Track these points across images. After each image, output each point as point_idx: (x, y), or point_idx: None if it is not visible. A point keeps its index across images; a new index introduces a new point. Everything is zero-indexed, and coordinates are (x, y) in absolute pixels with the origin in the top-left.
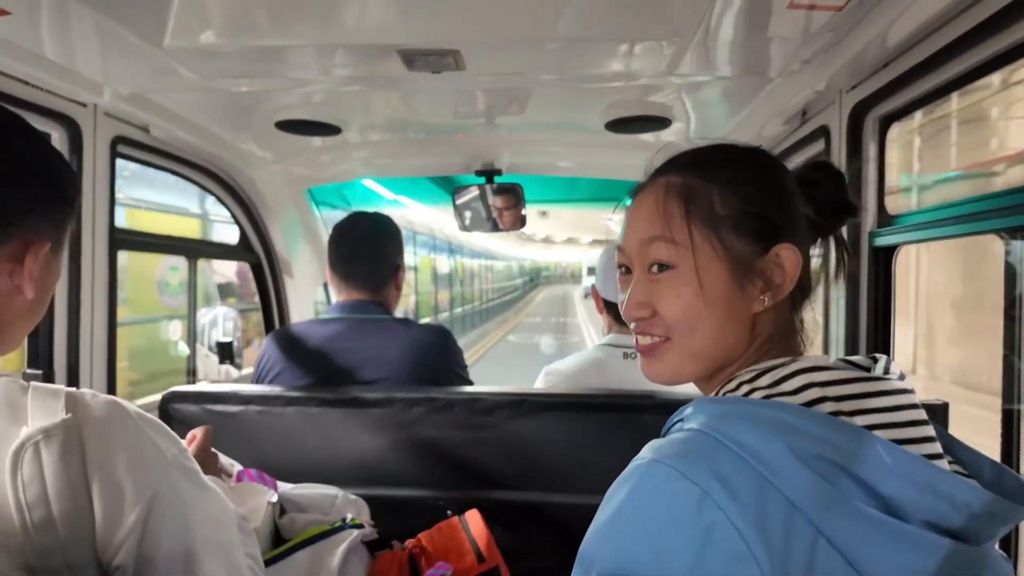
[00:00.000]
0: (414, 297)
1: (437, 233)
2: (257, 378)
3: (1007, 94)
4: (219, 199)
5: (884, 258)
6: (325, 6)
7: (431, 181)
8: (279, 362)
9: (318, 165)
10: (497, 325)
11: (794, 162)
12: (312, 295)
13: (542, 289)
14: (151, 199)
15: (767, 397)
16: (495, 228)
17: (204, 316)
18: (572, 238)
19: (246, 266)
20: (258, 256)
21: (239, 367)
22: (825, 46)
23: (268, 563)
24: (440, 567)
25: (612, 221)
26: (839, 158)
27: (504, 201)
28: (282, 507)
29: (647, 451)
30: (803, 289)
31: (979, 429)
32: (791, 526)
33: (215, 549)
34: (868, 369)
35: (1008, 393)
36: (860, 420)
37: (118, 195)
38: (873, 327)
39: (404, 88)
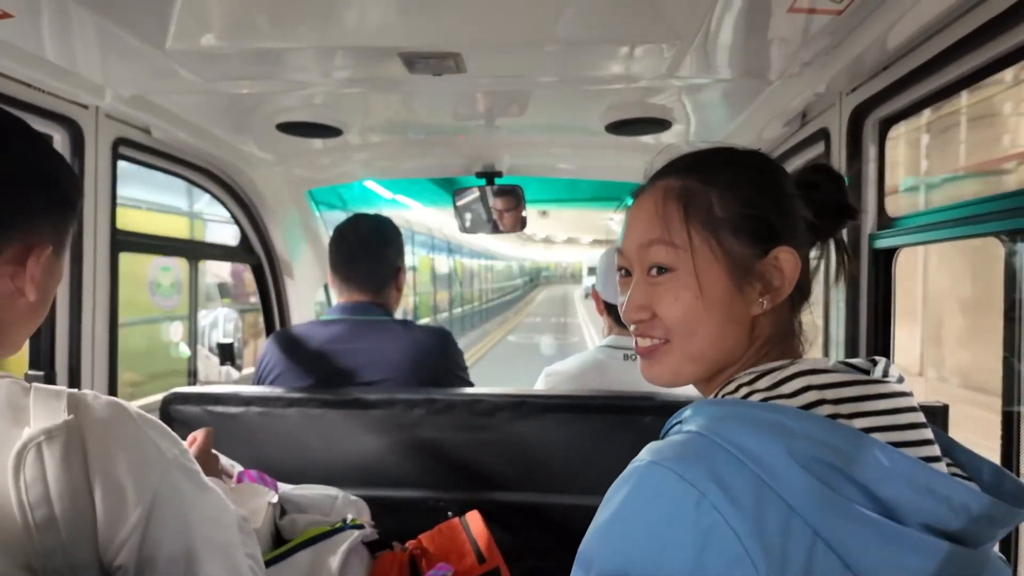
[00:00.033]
0: (413, 297)
1: (436, 233)
2: (258, 379)
3: (1007, 94)
4: (220, 200)
5: (884, 260)
6: (326, 9)
7: (431, 182)
8: (280, 363)
9: (319, 167)
10: (497, 325)
11: (794, 164)
12: (312, 296)
13: (542, 289)
14: (142, 198)
15: (765, 399)
16: (495, 230)
17: (205, 318)
18: (572, 238)
19: (240, 266)
20: (259, 257)
21: (240, 368)
22: (825, 49)
23: (269, 564)
24: (441, 568)
25: (613, 221)
26: (839, 160)
27: (504, 203)
28: (283, 508)
29: (646, 453)
30: (802, 291)
31: (989, 433)
32: (789, 529)
33: (215, 550)
34: (867, 372)
35: (1008, 395)
36: (858, 423)
37: None
38: (873, 329)
39: (405, 90)
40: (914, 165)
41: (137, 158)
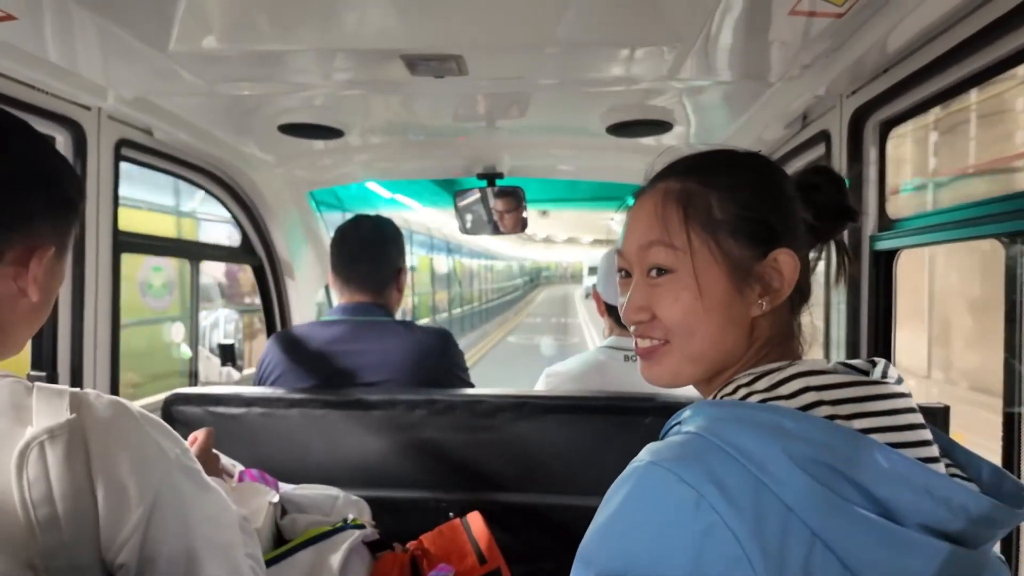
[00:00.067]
0: (411, 298)
1: (435, 233)
2: (259, 380)
3: (1019, 90)
4: (221, 202)
5: (885, 262)
6: (328, 11)
7: (432, 182)
8: (281, 364)
9: (320, 168)
10: (497, 326)
11: (794, 166)
12: (313, 297)
13: (543, 289)
14: (140, 198)
15: (764, 401)
16: (496, 231)
17: (206, 319)
18: (573, 238)
19: (235, 267)
20: (260, 258)
21: (240, 369)
22: (825, 52)
23: (270, 563)
24: (442, 569)
25: (613, 221)
26: (839, 162)
27: (505, 204)
28: (283, 508)
29: (645, 454)
30: (802, 293)
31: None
32: (787, 529)
33: (216, 549)
34: (867, 373)
35: (1009, 396)
36: (857, 424)
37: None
38: (874, 331)
39: (406, 92)
40: (921, 163)
41: (139, 159)
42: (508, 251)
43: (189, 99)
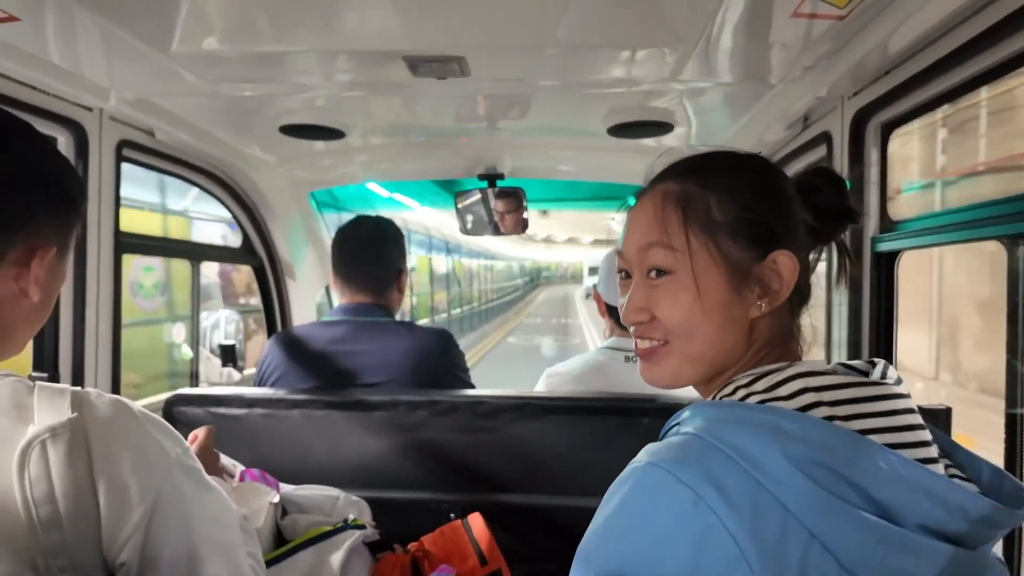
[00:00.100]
0: (410, 298)
1: (434, 232)
2: (259, 380)
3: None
4: (222, 202)
5: (886, 263)
6: (330, 13)
7: (432, 182)
8: (281, 365)
9: (321, 169)
10: (497, 327)
11: (795, 167)
12: (314, 298)
13: (543, 290)
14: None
15: (763, 402)
16: (496, 232)
17: (206, 319)
18: (573, 238)
19: (229, 267)
20: (261, 259)
21: (241, 370)
22: (827, 53)
23: (270, 563)
24: (443, 570)
25: (614, 221)
26: (841, 164)
27: (506, 205)
28: (284, 508)
29: (643, 454)
30: (801, 295)
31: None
32: (785, 530)
33: (217, 549)
34: (866, 374)
35: (1011, 398)
36: (855, 424)
37: None
38: (875, 332)
39: (408, 93)
40: (928, 161)
41: (141, 160)
42: (508, 251)
43: (191, 100)
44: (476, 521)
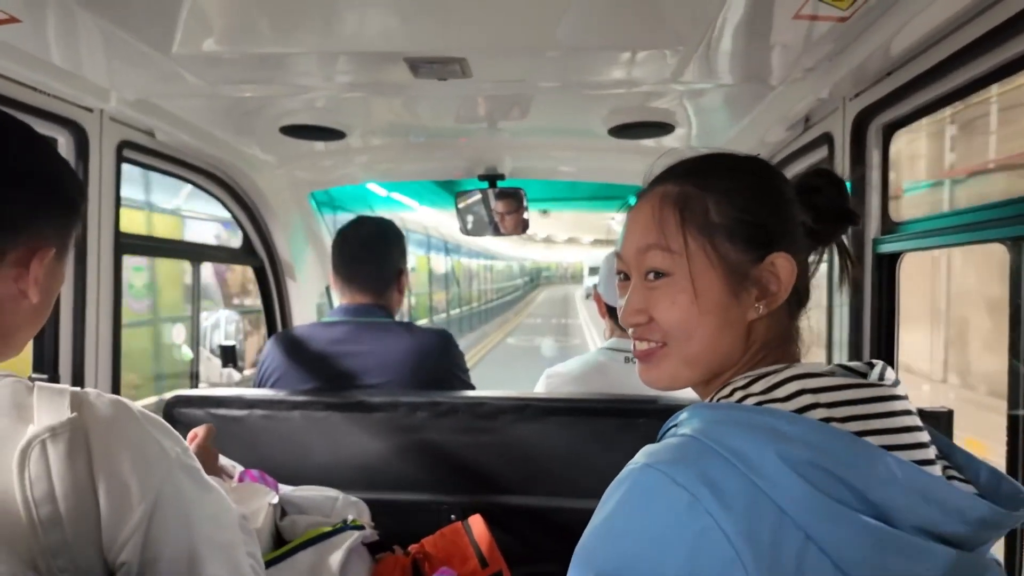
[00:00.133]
0: (408, 299)
1: (432, 232)
2: (259, 381)
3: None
4: (223, 203)
5: (888, 265)
6: (332, 14)
7: (432, 181)
8: (281, 365)
9: (321, 169)
10: (496, 327)
11: (796, 169)
12: (314, 298)
13: (543, 290)
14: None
15: (760, 403)
16: (497, 232)
17: (207, 319)
18: (573, 238)
19: (222, 267)
20: (261, 260)
21: (241, 370)
22: (828, 55)
23: (270, 564)
24: (443, 572)
25: (614, 221)
26: (842, 165)
27: (506, 206)
28: (283, 509)
29: (641, 456)
30: (800, 297)
31: None
32: (780, 532)
33: (217, 548)
34: (865, 375)
35: (1014, 399)
36: (852, 426)
37: None
38: (877, 333)
39: (408, 94)
40: (937, 159)
41: (141, 161)
42: (508, 251)
43: (191, 101)
44: (477, 523)
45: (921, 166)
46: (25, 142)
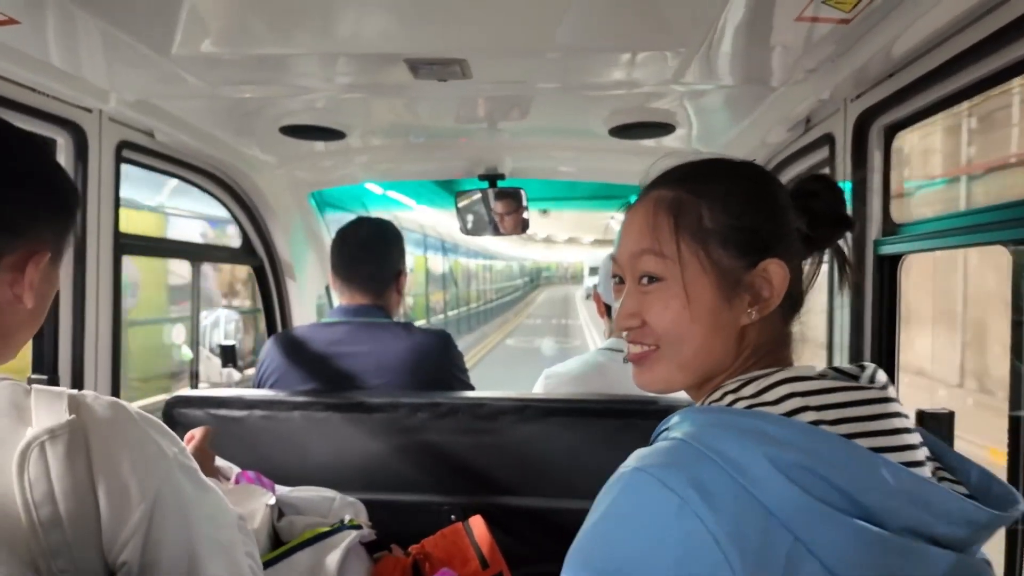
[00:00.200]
0: (406, 299)
1: (430, 231)
2: (258, 382)
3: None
4: (223, 203)
5: (889, 267)
6: (332, 15)
7: (432, 182)
8: (281, 366)
9: (321, 169)
10: (496, 328)
11: (797, 170)
12: (314, 299)
13: (543, 290)
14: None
15: (750, 407)
16: (496, 232)
17: (206, 319)
18: (573, 238)
19: (213, 267)
20: (261, 260)
21: (241, 370)
22: (830, 56)
23: (268, 565)
24: (444, 573)
25: (614, 220)
26: (843, 166)
27: (506, 206)
28: (280, 510)
29: (632, 459)
30: (794, 302)
31: None
32: (768, 534)
33: (217, 549)
34: (856, 378)
35: (1015, 400)
36: (842, 429)
37: None
38: (878, 336)
39: (409, 95)
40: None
41: (140, 161)
42: (508, 251)
43: (191, 102)
44: (477, 523)
45: (920, 164)
46: (24, 144)
